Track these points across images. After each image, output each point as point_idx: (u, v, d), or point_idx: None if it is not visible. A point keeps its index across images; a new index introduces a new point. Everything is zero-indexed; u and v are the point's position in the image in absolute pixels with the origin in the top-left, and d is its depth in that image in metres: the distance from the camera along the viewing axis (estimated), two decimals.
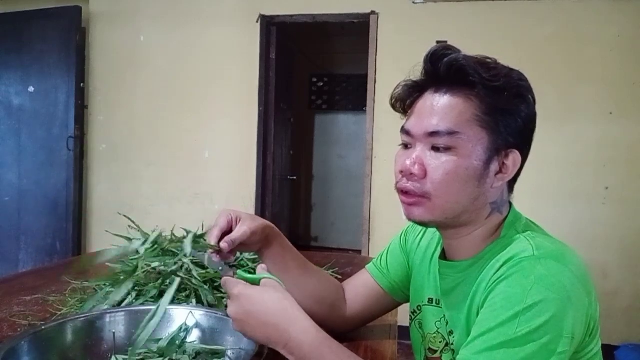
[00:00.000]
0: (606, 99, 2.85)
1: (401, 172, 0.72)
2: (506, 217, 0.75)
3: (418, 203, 0.72)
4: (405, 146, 0.75)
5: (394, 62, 3.10)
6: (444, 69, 0.70)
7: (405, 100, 0.76)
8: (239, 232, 0.79)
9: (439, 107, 0.70)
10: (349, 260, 1.48)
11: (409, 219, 0.75)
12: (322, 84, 5.49)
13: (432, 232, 0.87)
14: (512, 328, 0.57)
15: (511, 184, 0.75)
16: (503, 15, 2.96)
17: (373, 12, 3.15)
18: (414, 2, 3.08)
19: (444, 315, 0.78)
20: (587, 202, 2.87)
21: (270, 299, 0.65)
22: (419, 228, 0.90)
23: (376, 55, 3.15)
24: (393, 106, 0.79)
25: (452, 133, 0.68)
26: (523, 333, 0.57)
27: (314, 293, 0.88)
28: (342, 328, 0.92)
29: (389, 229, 3.15)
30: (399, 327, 1.04)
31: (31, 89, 3.50)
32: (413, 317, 0.87)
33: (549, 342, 0.57)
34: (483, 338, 0.59)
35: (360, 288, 0.94)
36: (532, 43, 2.89)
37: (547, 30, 2.90)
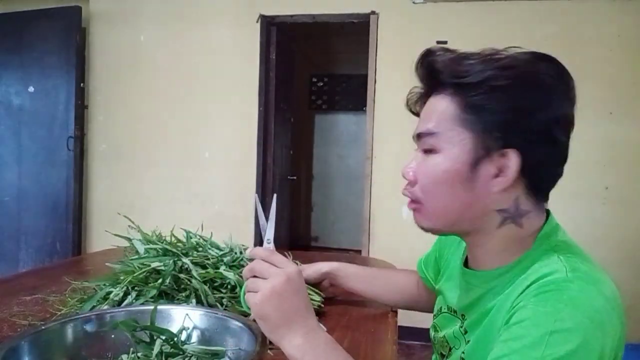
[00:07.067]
0: (606, 99, 2.85)
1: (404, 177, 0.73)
2: (541, 228, 0.68)
3: (417, 209, 0.71)
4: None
5: (394, 62, 3.10)
6: (423, 74, 0.71)
7: (417, 104, 0.76)
8: None
9: (426, 110, 0.71)
10: (349, 261, 1.47)
11: (418, 225, 0.74)
12: (322, 84, 5.50)
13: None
14: (539, 351, 0.53)
15: (532, 190, 0.67)
16: (503, 15, 2.96)
17: (373, 12, 3.15)
18: (414, 2, 3.08)
19: (462, 324, 0.74)
20: (587, 202, 2.87)
21: (303, 288, 0.66)
22: None
23: (376, 55, 3.15)
24: (410, 110, 0.78)
25: (430, 134, 0.68)
26: (551, 358, 0.52)
27: (383, 299, 1.07)
28: (425, 310, 1.03)
29: (389, 229, 3.15)
30: (399, 327, 1.05)
31: (31, 89, 3.50)
32: (434, 317, 0.86)
33: None
34: (508, 358, 0.54)
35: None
36: (532, 43, 2.85)
37: (547, 30, 2.90)
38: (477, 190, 0.66)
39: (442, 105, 0.67)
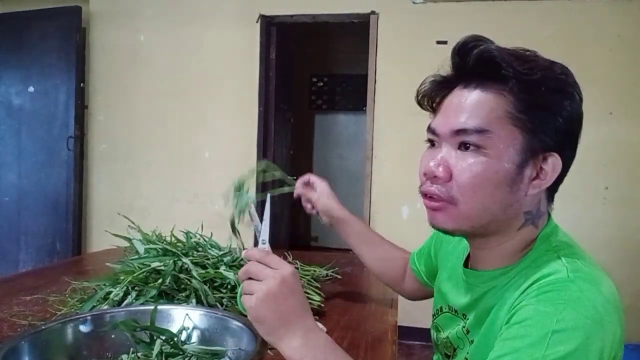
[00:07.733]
0: (606, 99, 2.85)
1: (425, 174, 0.67)
2: (542, 229, 0.68)
3: (442, 208, 0.66)
4: (432, 145, 0.69)
5: (394, 62, 3.10)
6: (474, 62, 0.64)
7: (434, 96, 0.71)
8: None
9: (467, 104, 0.64)
10: (349, 260, 1.48)
11: (433, 226, 0.69)
12: (322, 84, 5.49)
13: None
14: (540, 350, 0.53)
15: (551, 192, 0.68)
16: (503, 15, 2.96)
17: (373, 12, 3.15)
18: (414, 2, 3.08)
19: (464, 324, 0.74)
20: (587, 202, 2.87)
21: (299, 289, 0.64)
22: None
23: (376, 55, 3.15)
24: (419, 103, 0.73)
25: (481, 131, 0.62)
26: (552, 358, 0.52)
27: (369, 265, 1.11)
28: (404, 296, 1.08)
29: (389, 229, 3.14)
30: (399, 327, 1.05)
31: (31, 89, 3.50)
32: (434, 317, 0.85)
33: None
34: (509, 357, 0.54)
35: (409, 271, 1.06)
36: (532, 43, 2.83)
37: (547, 30, 2.90)
38: (519, 192, 0.64)
39: (491, 101, 0.63)
